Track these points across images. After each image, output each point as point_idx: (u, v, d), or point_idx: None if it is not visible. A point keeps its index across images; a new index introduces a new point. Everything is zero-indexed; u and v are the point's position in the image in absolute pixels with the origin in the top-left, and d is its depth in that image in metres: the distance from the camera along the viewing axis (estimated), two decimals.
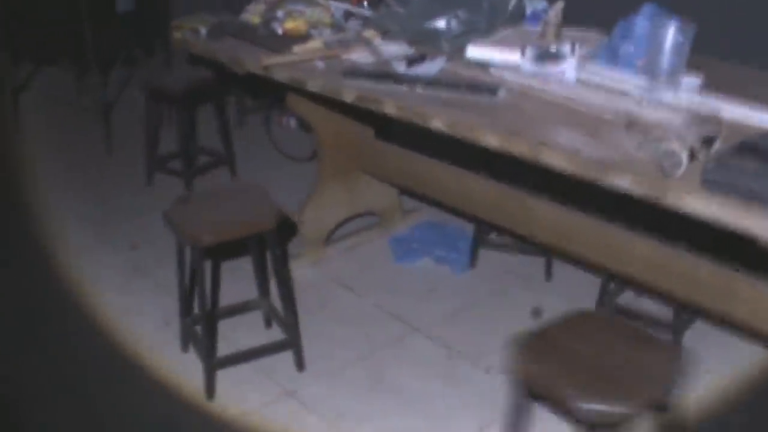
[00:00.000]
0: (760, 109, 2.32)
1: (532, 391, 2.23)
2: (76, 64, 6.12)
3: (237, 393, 3.08)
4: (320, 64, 3.04)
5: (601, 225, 2.97)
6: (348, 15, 3.42)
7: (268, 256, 3.12)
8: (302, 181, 4.18)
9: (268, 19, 3.45)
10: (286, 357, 3.20)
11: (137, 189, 4.84)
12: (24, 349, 3.33)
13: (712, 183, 1.94)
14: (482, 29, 3.06)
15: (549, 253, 3.71)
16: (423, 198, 4.16)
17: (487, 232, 3.91)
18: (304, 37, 3.25)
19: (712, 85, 2.52)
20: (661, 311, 3.28)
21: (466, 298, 3.67)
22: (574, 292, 3.59)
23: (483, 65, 2.86)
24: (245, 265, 3.41)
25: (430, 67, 2.88)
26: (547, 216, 3.12)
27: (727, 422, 2.83)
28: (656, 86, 2.46)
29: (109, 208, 4.62)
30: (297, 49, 3.12)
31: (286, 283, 3.15)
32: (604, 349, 2.21)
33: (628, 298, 3.46)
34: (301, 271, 3.84)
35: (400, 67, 2.88)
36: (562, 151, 2.22)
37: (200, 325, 3.07)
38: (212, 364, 3.04)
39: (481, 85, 2.70)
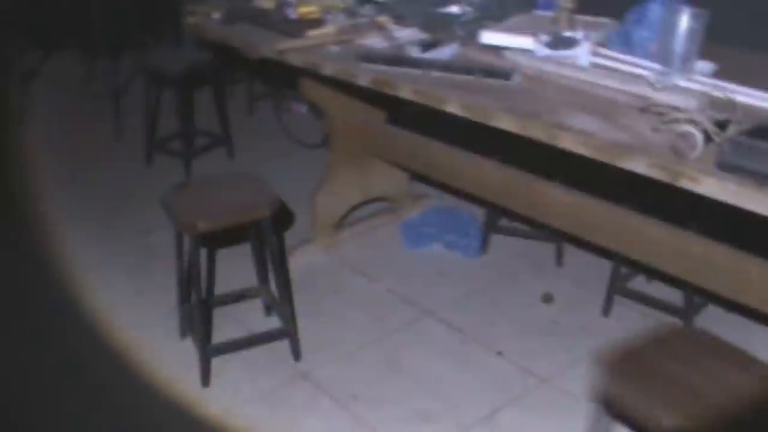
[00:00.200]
0: None
1: (615, 410, 2.18)
2: (85, 49, 6.15)
3: (249, 375, 3.11)
4: (334, 49, 3.06)
5: (614, 209, 2.98)
6: (362, 0, 3.43)
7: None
8: (312, 169, 4.20)
9: (281, 4, 3.46)
10: (299, 338, 3.23)
11: (138, 170, 4.95)
12: (24, 329, 3.36)
13: (728, 165, 1.96)
14: (495, 15, 3.08)
15: (560, 238, 3.73)
16: (434, 183, 4.18)
17: (497, 218, 3.92)
18: (317, 23, 3.27)
19: (726, 71, 2.53)
20: (673, 296, 3.31)
21: (477, 283, 3.69)
22: (584, 278, 3.62)
23: (496, 50, 2.88)
24: (250, 252, 3.44)
25: (445, 52, 2.90)
26: (559, 200, 3.13)
27: None
28: (670, 71, 2.48)
29: (109, 190, 4.71)
30: (311, 33, 3.14)
31: (283, 272, 3.15)
32: (692, 367, 2.12)
33: (639, 284, 3.48)
34: (313, 256, 3.87)
35: (415, 52, 2.90)
36: (578, 134, 2.24)
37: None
38: (207, 350, 3.05)
39: (495, 69, 2.72)
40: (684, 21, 2.49)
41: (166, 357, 3.18)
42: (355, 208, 4.07)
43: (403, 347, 3.27)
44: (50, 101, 6.02)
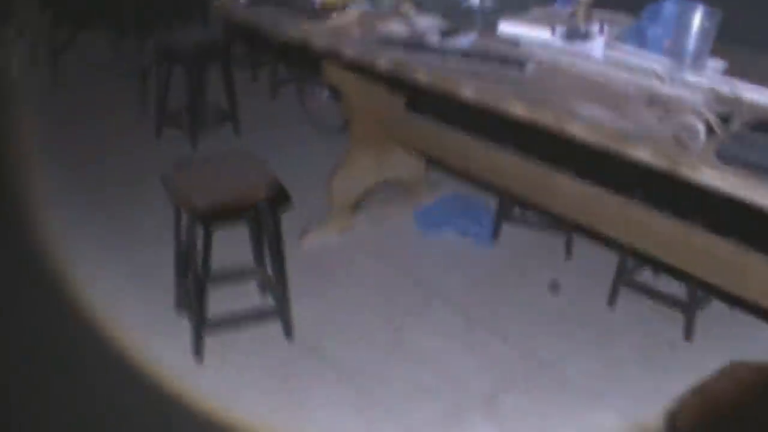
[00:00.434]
0: None
1: None
2: (114, 29, 6.25)
3: (257, 348, 3.20)
4: (356, 33, 3.14)
5: (622, 201, 3.05)
6: None
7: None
8: (331, 155, 4.29)
9: None
10: (309, 316, 3.32)
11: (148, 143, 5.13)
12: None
13: (728, 157, 2.02)
14: (515, 7, 3.15)
15: (570, 230, 3.79)
16: (449, 171, 4.26)
17: (510, 207, 3.99)
18: (341, 9, 3.35)
19: (735, 70, 2.58)
20: (678, 290, 3.36)
21: (487, 270, 3.76)
22: (592, 270, 3.68)
23: (514, 41, 2.95)
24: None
25: (463, 41, 2.97)
26: (570, 191, 3.20)
27: None
28: (681, 67, 2.54)
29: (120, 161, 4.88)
30: (335, 16, 3.22)
31: (278, 254, 3.21)
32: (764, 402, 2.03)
33: (645, 277, 3.54)
34: (328, 237, 3.96)
35: (434, 39, 2.97)
36: (586, 122, 2.31)
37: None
38: (201, 326, 3.12)
39: (510, 58, 2.79)
40: (697, 19, 2.55)
41: (161, 332, 3.29)
42: (371, 191, 4.15)
43: (411, 328, 3.35)
44: (77, 77, 6.13)
